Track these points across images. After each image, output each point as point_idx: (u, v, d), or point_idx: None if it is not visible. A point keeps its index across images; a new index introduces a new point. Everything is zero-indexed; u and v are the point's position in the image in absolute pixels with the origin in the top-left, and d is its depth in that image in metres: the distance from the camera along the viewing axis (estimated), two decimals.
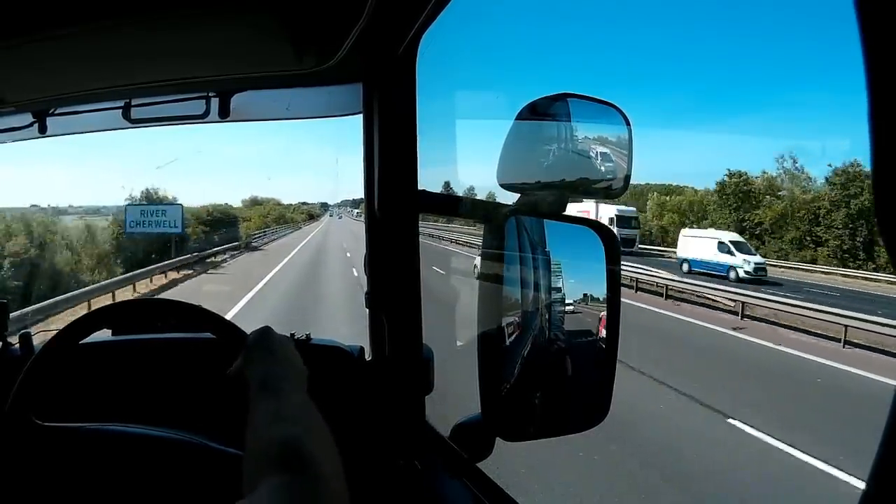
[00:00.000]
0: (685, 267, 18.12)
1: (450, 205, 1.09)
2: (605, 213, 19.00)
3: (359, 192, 1.11)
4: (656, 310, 11.48)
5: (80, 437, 0.85)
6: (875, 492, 0.24)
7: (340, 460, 0.50)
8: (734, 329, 10.04)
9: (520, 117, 0.80)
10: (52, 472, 0.83)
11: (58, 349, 0.85)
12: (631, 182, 0.77)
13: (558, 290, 0.80)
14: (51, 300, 9.26)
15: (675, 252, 20.28)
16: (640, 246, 22.63)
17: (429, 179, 1.03)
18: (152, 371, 1.12)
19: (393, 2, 0.82)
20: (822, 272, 20.67)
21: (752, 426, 5.23)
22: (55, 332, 0.86)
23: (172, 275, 14.39)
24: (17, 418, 0.80)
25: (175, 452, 0.86)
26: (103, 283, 11.95)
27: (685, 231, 21.07)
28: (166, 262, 14.85)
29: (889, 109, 0.23)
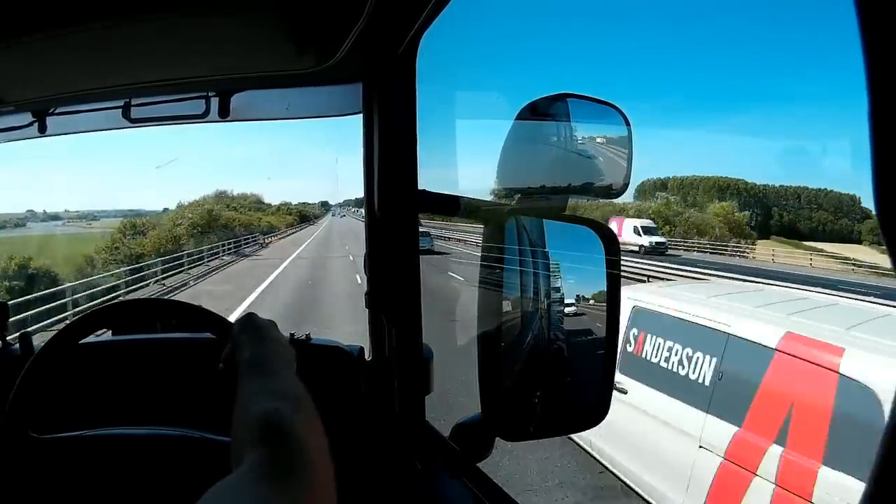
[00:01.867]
0: None
1: (449, 205, 1.09)
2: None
3: (361, 192, 1.12)
4: None
5: (76, 447, 0.85)
6: (875, 492, 0.24)
7: (325, 435, 0.50)
8: None
9: (520, 117, 0.80)
10: (51, 484, 0.82)
11: (57, 349, 0.85)
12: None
13: (558, 290, 0.80)
14: None
15: None
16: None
17: (429, 179, 1.03)
18: (152, 371, 1.11)
19: (393, 2, 0.82)
20: None
21: None
22: (55, 332, 0.86)
23: None
24: (12, 432, 0.80)
25: (174, 448, 0.86)
26: None
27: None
28: None
29: (889, 109, 0.23)
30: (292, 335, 1.05)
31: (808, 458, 2.67)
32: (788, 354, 2.91)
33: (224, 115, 1.21)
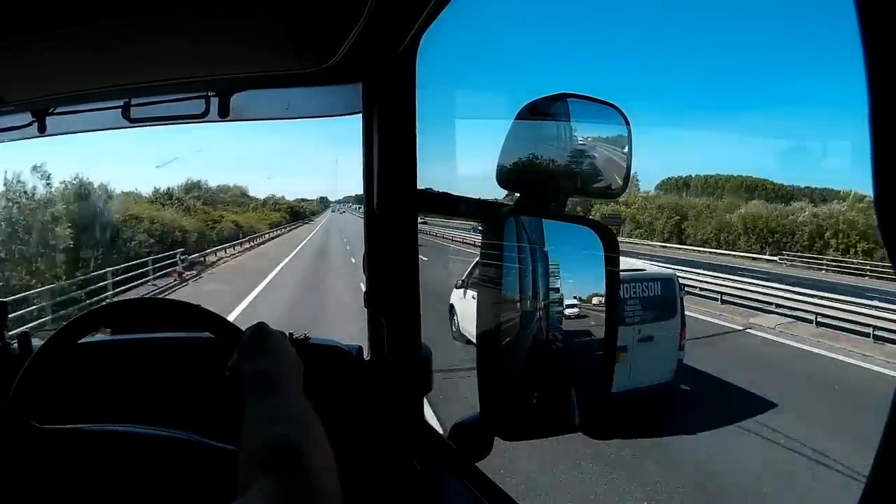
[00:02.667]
0: None
1: (449, 204, 1.09)
2: None
3: (361, 189, 1.12)
4: None
5: (77, 439, 0.85)
6: (875, 491, 0.24)
7: (334, 456, 0.50)
8: None
9: (519, 117, 0.80)
10: (50, 474, 0.82)
11: (56, 349, 0.85)
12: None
13: (557, 290, 0.80)
14: None
15: None
16: None
17: (429, 179, 1.03)
18: (152, 371, 1.11)
19: (393, 2, 0.82)
20: None
21: None
22: (54, 331, 0.86)
23: None
24: (14, 421, 0.80)
25: (173, 450, 0.86)
26: None
27: None
28: None
29: (889, 109, 0.23)
30: (291, 335, 1.04)
31: None
32: None
33: (224, 114, 1.21)
